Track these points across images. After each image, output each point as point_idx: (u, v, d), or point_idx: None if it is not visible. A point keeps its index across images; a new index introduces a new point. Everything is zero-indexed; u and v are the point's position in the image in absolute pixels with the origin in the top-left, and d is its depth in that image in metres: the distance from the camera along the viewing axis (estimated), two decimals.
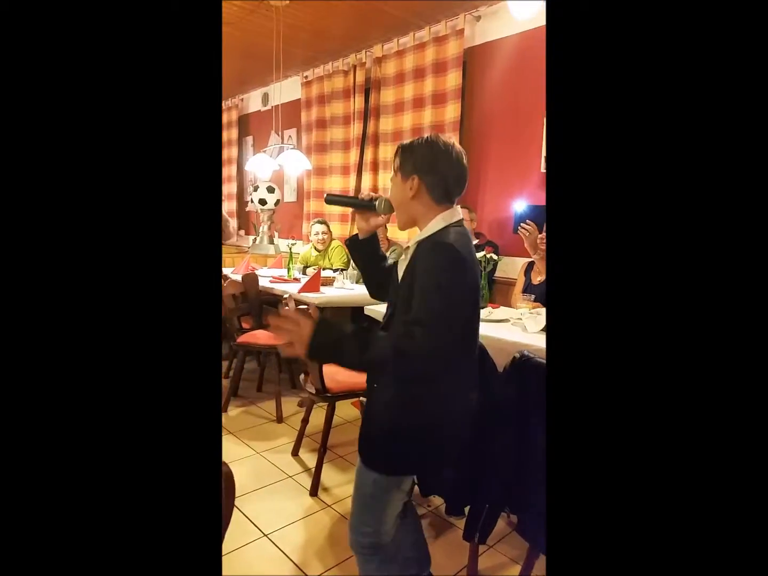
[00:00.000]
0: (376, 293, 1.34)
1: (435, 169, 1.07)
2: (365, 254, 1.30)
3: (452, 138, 1.11)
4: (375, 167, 3.59)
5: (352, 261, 3.26)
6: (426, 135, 1.12)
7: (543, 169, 2.69)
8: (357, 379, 1.94)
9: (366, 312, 2.25)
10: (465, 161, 1.11)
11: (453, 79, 3.01)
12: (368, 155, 3.60)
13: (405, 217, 1.14)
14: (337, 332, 0.96)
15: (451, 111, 3.03)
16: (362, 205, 1.22)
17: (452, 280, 0.98)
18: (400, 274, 1.11)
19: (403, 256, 1.14)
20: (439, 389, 1.05)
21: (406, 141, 1.13)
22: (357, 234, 1.29)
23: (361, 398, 1.68)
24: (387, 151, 3.47)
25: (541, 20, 2.63)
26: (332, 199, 1.28)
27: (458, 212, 1.13)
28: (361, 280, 3.30)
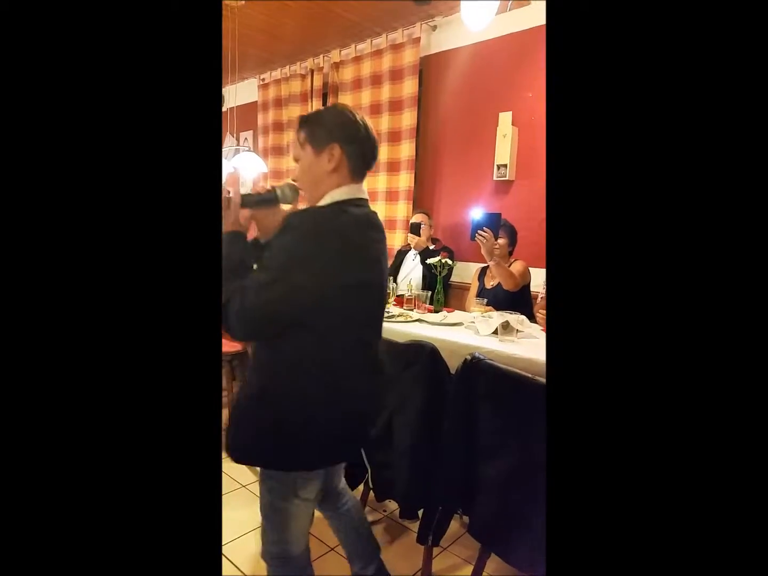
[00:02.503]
0: None
1: (354, 136, 0.97)
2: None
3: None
4: None
5: None
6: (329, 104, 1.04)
7: (495, 178, 2.76)
8: None
9: None
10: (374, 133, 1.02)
11: (409, 86, 3.05)
12: None
13: (318, 194, 0.98)
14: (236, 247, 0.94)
15: (408, 118, 3.07)
16: (265, 200, 1.04)
17: (307, 249, 0.88)
18: None
19: None
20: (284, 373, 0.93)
21: (308, 114, 1.03)
22: (257, 240, 1.08)
23: None
24: None
25: (495, 32, 2.71)
26: (246, 202, 1.04)
27: (363, 189, 1.02)
28: None
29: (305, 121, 1.01)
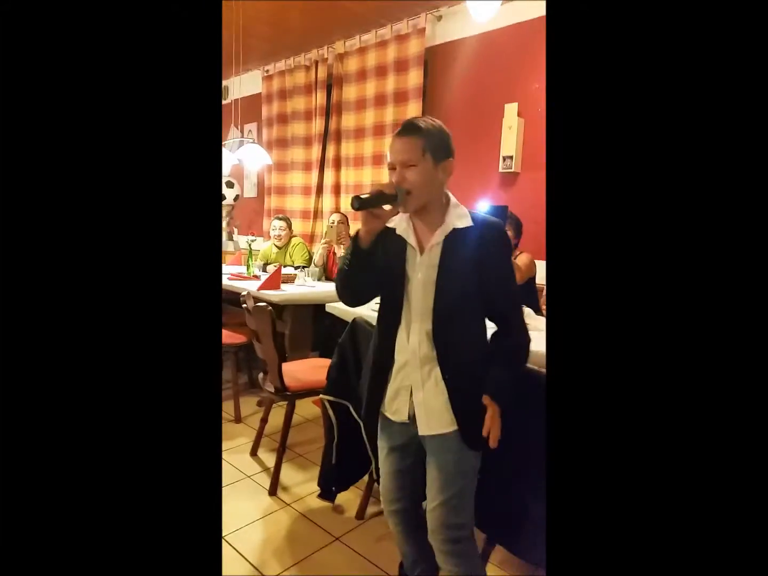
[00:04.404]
0: (359, 301, 1.20)
1: (453, 151, 1.10)
2: (371, 260, 1.09)
3: None
4: (337, 163, 3.57)
5: (314, 258, 3.22)
6: (427, 117, 1.10)
7: (501, 170, 2.74)
8: (317, 377, 1.92)
9: (327, 309, 2.23)
10: None
11: (414, 77, 3.03)
12: (330, 151, 3.58)
13: (423, 202, 1.06)
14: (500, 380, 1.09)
15: (413, 109, 3.05)
16: (390, 199, 1.04)
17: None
18: (429, 263, 1.08)
19: (432, 243, 1.08)
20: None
21: (421, 122, 1.05)
22: (357, 240, 1.07)
23: (321, 396, 1.67)
24: (349, 148, 3.46)
25: (500, 22, 2.68)
26: (363, 204, 1.00)
27: None
28: (324, 278, 3.24)
29: (425, 132, 1.04)
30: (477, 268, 1.06)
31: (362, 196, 1.01)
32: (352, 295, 1.19)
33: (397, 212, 1.09)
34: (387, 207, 1.05)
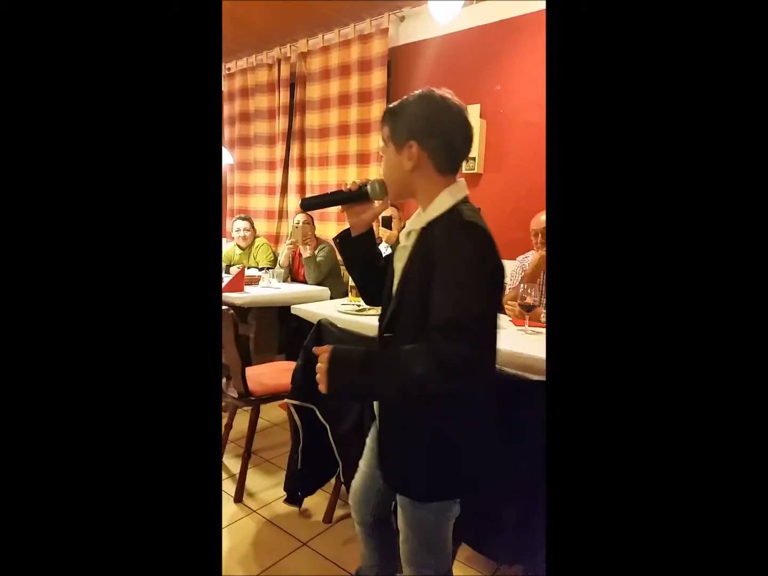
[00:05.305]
0: (374, 300, 1.11)
1: (436, 130, 0.89)
2: (361, 255, 1.06)
3: (448, 92, 0.92)
4: (302, 163, 3.53)
5: (279, 259, 3.17)
6: (417, 91, 0.91)
7: (464, 170, 2.77)
8: (282, 380, 1.90)
9: (293, 311, 2.20)
10: (468, 117, 0.92)
11: (378, 77, 3.02)
12: (294, 151, 3.53)
13: (400, 191, 0.96)
14: (357, 356, 0.85)
15: (377, 109, 3.05)
16: (351, 198, 1.00)
17: (485, 269, 0.82)
18: (399, 266, 0.95)
19: (403, 244, 0.96)
20: (468, 405, 0.90)
21: (394, 103, 0.93)
22: (347, 230, 1.05)
23: (287, 400, 1.65)
24: (314, 147, 3.43)
25: (463, 24, 2.71)
26: (311, 203, 1.03)
27: (464, 186, 0.94)
28: (289, 279, 3.19)
29: (389, 115, 0.93)
30: (425, 271, 0.86)
31: (310, 197, 1.07)
32: (364, 295, 1.14)
33: (384, 208, 1.03)
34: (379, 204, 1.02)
